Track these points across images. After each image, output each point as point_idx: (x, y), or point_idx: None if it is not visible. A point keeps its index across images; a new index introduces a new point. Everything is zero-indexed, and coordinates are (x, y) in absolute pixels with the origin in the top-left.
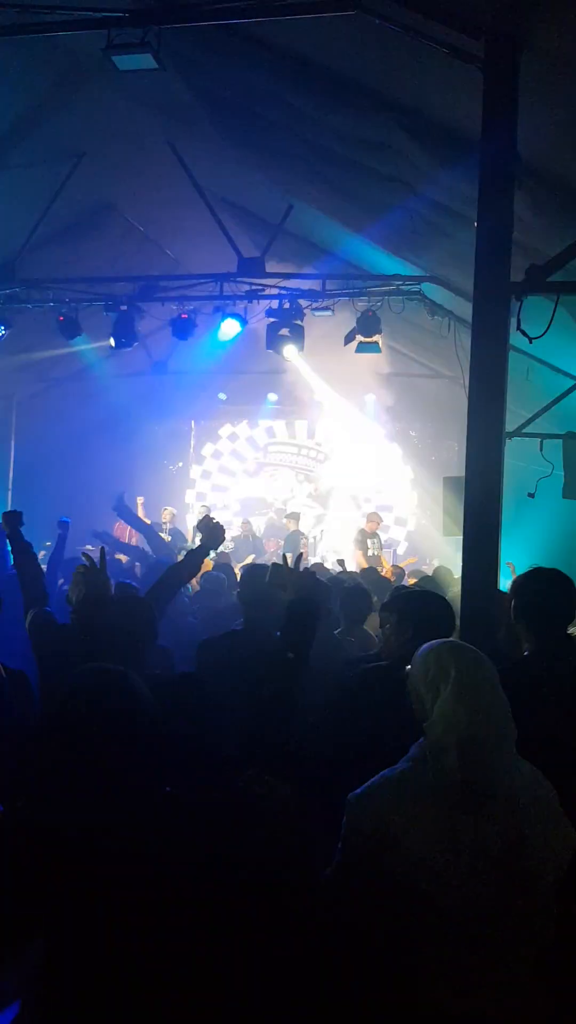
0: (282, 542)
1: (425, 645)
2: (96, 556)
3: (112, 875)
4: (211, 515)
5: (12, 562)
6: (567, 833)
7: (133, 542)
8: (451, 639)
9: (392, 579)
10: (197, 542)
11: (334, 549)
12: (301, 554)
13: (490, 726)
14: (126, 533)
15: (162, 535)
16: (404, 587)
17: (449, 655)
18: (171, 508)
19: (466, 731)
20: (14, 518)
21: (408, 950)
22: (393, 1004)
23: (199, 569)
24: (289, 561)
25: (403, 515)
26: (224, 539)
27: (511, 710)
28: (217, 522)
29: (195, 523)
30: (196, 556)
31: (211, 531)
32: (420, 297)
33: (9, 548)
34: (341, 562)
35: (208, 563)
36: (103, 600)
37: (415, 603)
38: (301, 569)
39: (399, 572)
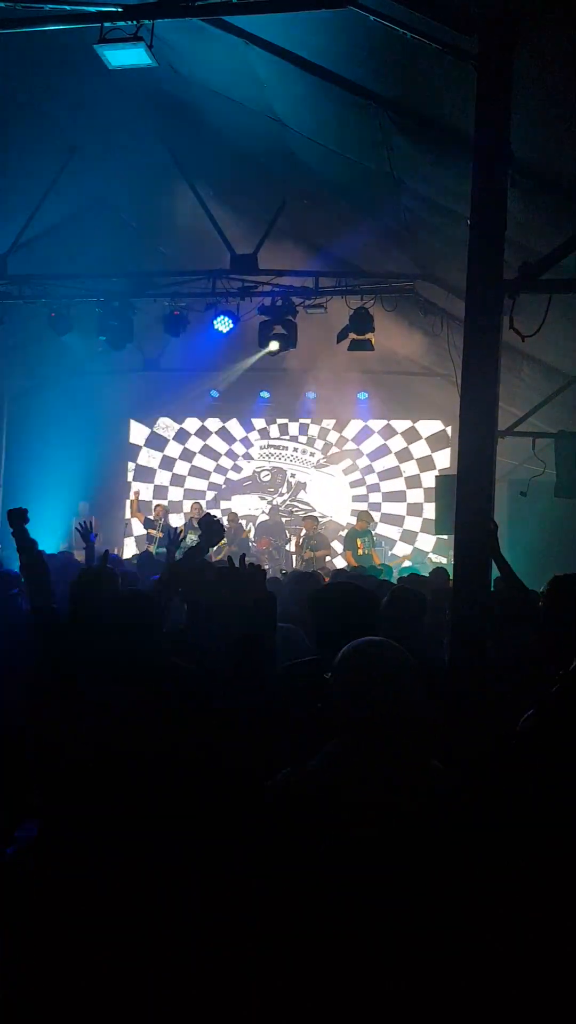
0: (272, 539)
1: None
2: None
3: None
4: (210, 513)
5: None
6: None
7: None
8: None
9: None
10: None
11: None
12: (244, 555)
13: None
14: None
15: (154, 532)
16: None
17: None
18: (163, 503)
19: None
20: (18, 516)
21: None
22: None
23: (200, 567)
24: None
25: (397, 513)
26: (223, 537)
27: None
28: (216, 520)
29: (186, 520)
30: (195, 554)
31: (209, 529)
32: (413, 295)
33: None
34: (284, 572)
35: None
36: (103, 597)
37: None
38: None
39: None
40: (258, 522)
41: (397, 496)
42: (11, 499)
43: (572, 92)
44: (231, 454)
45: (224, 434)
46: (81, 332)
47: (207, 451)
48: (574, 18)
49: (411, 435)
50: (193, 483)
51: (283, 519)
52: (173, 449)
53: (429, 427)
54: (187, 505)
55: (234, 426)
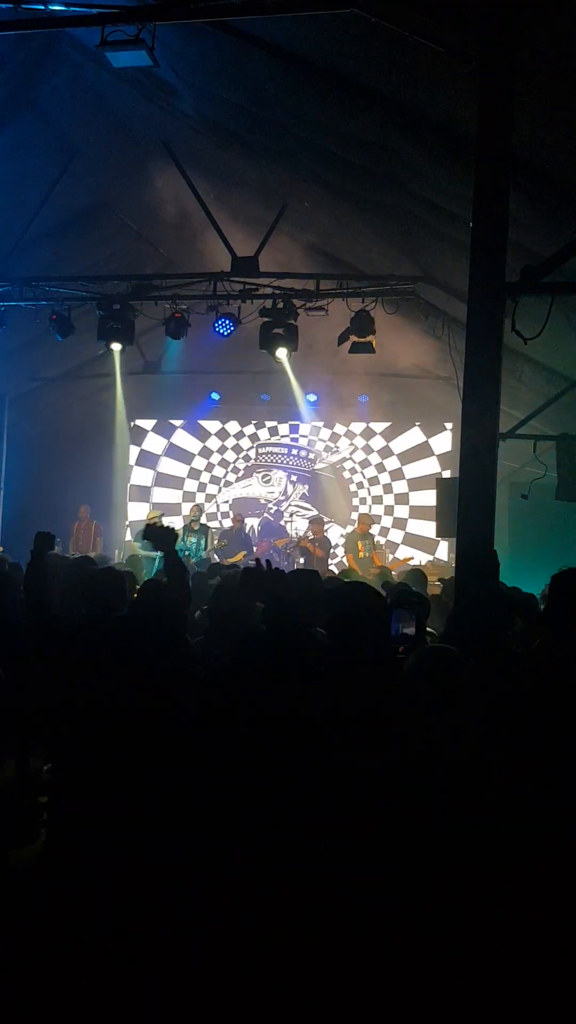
0: (275, 541)
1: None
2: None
3: None
4: (153, 521)
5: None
6: None
7: (96, 548)
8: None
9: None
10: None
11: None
12: (269, 560)
13: None
14: (89, 537)
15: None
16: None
17: None
18: (157, 510)
19: None
20: (46, 541)
21: None
22: None
23: (185, 580)
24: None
25: (400, 516)
26: (177, 539)
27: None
28: (161, 525)
29: (184, 522)
30: (173, 567)
31: (160, 536)
32: (414, 297)
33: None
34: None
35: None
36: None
37: None
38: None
39: (385, 573)
40: (259, 525)
41: (400, 499)
42: (12, 501)
43: (573, 92)
44: (232, 456)
45: (225, 436)
46: (82, 335)
47: (207, 453)
48: (574, 18)
49: (411, 437)
50: (192, 486)
51: (284, 523)
52: (173, 451)
53: (429, 430)
54: (186, 508)
55: (235, 428)
